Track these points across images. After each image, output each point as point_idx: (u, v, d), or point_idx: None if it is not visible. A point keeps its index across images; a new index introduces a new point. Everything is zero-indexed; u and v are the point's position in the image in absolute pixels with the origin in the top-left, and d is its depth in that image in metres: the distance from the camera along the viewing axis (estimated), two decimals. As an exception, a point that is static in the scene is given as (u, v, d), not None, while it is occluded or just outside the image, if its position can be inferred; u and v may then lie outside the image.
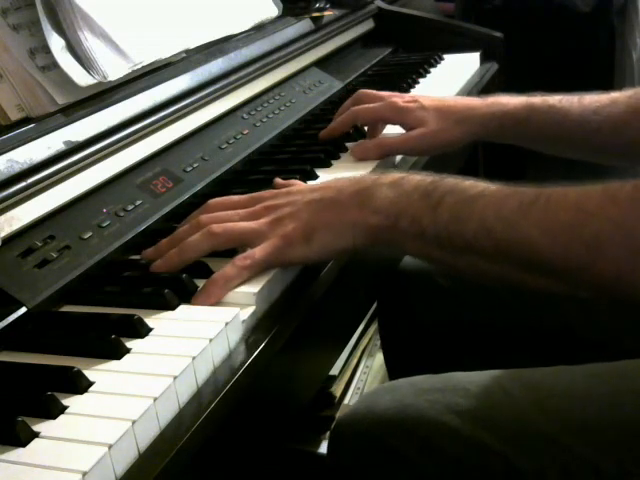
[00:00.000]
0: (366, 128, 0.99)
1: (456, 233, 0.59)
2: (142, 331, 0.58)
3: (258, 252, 0.63)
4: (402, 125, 0.93)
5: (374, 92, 0.96)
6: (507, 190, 0.58)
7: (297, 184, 0.75)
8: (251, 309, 0.61)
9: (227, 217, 0.67)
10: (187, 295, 0.63)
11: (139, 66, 0.85)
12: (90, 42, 0.79)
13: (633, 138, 0.83)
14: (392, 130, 0.97)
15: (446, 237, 0.59)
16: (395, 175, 0.65)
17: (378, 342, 1.50)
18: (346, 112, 0.95)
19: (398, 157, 0.95)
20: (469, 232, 0.58)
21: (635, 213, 0.50)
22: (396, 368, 1.08)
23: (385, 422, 0.70)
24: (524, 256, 0.55)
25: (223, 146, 0.92)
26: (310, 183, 0.85)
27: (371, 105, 0.94)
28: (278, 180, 0.77)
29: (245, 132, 0.97)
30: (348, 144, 0.96)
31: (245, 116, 1.00)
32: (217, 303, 0.61)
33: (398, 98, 0.94)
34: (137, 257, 0.71)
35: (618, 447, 0.61)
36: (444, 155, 0.94)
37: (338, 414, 1.27)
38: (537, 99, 0.89)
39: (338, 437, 0.75)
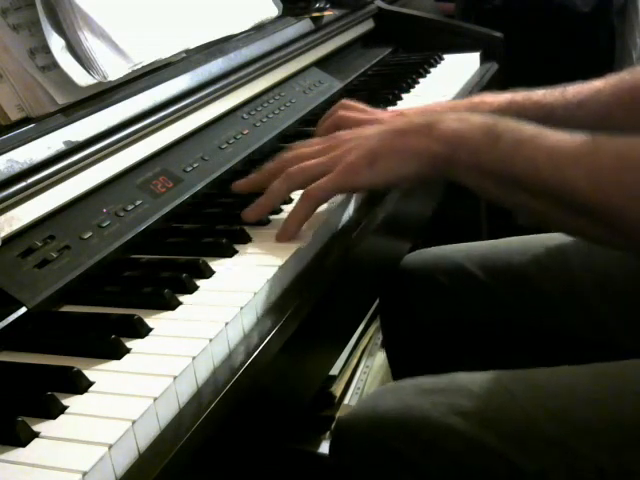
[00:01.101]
0: None
1: (509, 169, 0.62)
2: (142, 331, 0.58)
3: (324, 182, 0.69)
4: None
5: (359, 104, 0.92)
6: (561, 135, 0.61)
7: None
8: (251, 309, 0.61)
9: (303, 153, 0.74)
10: (187, 294, 0.63)
11: (139, 66, 0.85)
12: (90, 42, 0.79)
13: (618, 129, 0.83)
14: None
15: (500, 172, 0.63)
16: (461, 112, 0.71)
17: (378, 342, 1.50)
18: (330, 117, 0.90)
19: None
20: (520, 169, 0.61)
21: None
22: (399, 365, 1.08)
23: (388, 423, 0.70)
24: (567, 198, 0.58)
25: (223, 146, 0.92)
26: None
27: (355, 114, 0.89)
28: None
29: (245, 132, 0.97)
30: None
31: (245, 116, 1.00)
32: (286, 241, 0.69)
33: (383, 113, 0.92)
34: (137, 257, 0.71)
35: (620, 448, 0.61)
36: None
37: (338, 414, 1.27)
38: (521, 96, 0.89)
39: (340, 437, 0.75)
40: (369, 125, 0.76)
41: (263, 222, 0.75)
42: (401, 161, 0.68)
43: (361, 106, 0.92)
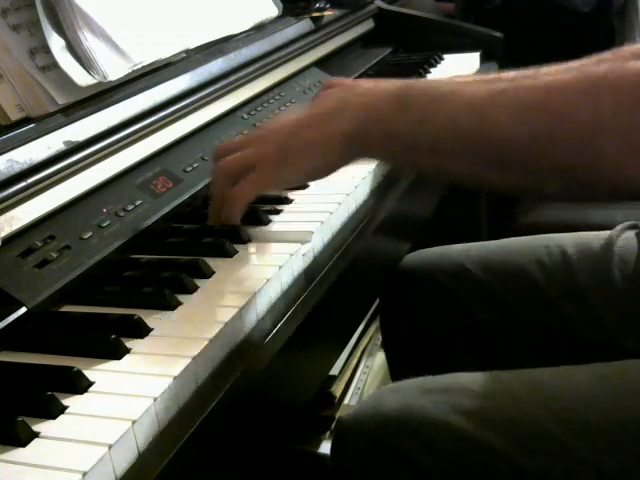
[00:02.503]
0: None
1: (424, 132, 0.58)
2: (142, 331, 0.58)
3: (246, 185, 0.67)
4: None
5: (340, 80, 0.91)
6: (479, 81, 0.58)
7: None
8: (252, 308, 0.61)
9: (228, 146, 0.73)
10: (187, 294, 0.63)
11: (139, 66, 0.85)
12: (90, 42, 0.79)
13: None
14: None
15: (414, 138, 0.59)
16: (369, 82, 0.66)
17: (378, 342, 1.50)
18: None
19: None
20: (438, 128, 0.57)
21: (610, 79, 0.50)
22: (398, 366, 1.08)
23: (389, 422, 0.70)
24: (492, 145, 0.55)
25: (223, 146, 0.92)
26: (310, 183, 0.85)
27: None
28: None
29: (245, 132, 0.97)
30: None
31: (245, 116, 1.00)
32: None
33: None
34: (137, 257, 0.71)
35: (620, 448, 0.61)
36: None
37: (338, 414, 1.27)
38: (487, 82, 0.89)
39: (342, 437, 0.75)
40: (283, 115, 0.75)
41: (263, 222, 0.75)
42: (314, 151, 0.65)
43: (342, 81, 0.93)
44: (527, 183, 0.57)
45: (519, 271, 0.92)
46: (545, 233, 0.98)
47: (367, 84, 0.67)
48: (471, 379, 0.71)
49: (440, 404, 0.69)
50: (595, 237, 0.92)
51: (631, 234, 0.90)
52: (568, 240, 0.93)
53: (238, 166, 0.69)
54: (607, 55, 0.77)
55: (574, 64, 0.84)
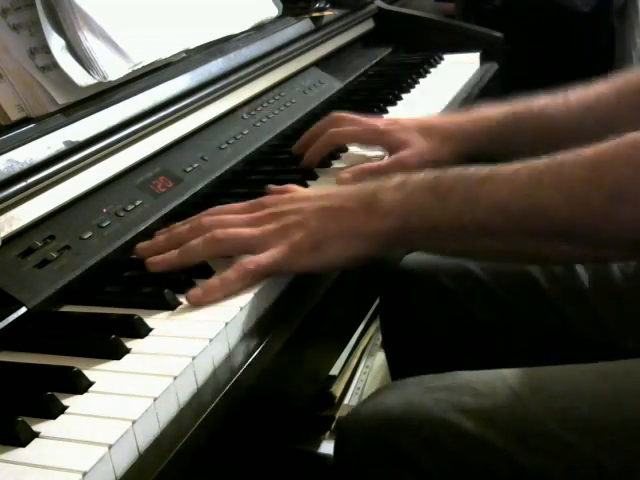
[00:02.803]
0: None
1: (469, 219, 0.58)
2: (142, 331, 0.58)
3: (265, 258, 0.62)
4: (384, 147, 0.91)
5: (351, 115, 0.92)
6: (516, 165, 0.57)
7: (295, 189, 0.73)
8: (252, 308, 0.61)
9: (231, 221, 0.67)
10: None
11: (139, 66, 0.85)
12: (90, 42, 0.79)
13: (623, 130, 0.82)
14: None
15: (459, 226, 0.59)
16: (398, 178, 0.65)
17: (378, 342, 1.50)
18: (323, 136, 0.90)
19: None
20: (482, 214, 0.58)
21: None
22: (398, 366, 1.08)
23: (391, 420, 0.70)
24: (542, 223, 0.55)
25: (223, 146, 0.92)
26: (310, 184, 0.85)
27: (350, 128, 0.90)
28: (272, 187, 0.75)
29: (245, 132, 0.97)
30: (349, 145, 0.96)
31: (245, 116, 1.00)
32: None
33: (377, 121, 0.91)
34: (137, 257, 0.71)
35: (622, 446, 0.61)
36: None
37: (338, 414, 1.27)
38: (520, 107, 0.87)
39: (344, 435, 0.75)
40: (299, 196, 0.69)
41: None
42: (346, 244, 0.63)
43: (351, 117, 0.91)
44: (587, 255, 0.58)
45: (519, 270, 0.92)
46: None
47: (397, 179, 0.65)
48: (472, 377, 0.71)
49: (441, 402, 0.69)
50: None
51: None
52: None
53: (245, 242, 0.64)
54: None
55: (548, 102, 0.85)
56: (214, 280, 0.62)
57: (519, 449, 0.63)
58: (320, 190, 0.71)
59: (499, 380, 0.70)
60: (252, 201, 0.70)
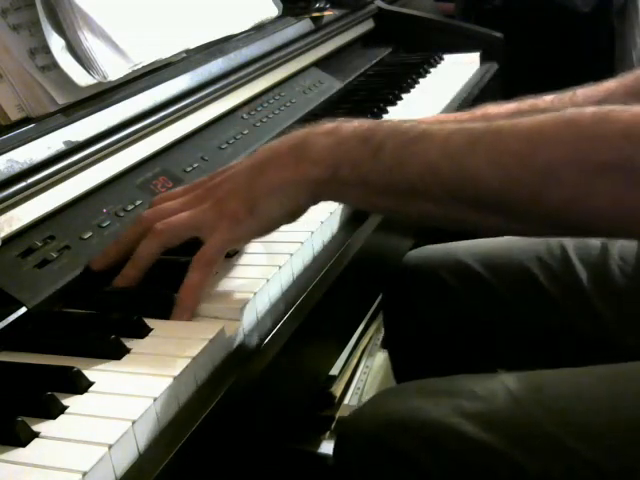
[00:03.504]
0: None
1: (400, 178, 0.56)
2: (142, 331, 0.58)
3: (209, 245, 0.61)
4: None
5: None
6: (452, 127, 0.55)
7: None
8: (251, 309, 0.61)
9: (169, 208, 0.65)
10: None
11: (139, 66, 0.85)
12: (90, 42, 0.79)
13: None
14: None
15: (389, 183, 0.57)
16: (329, 124, 0.62)
17: (378, 342, 1.50)
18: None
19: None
20: (413, 175, 0.55)
21: (591, 134, 0.47)
22: (400, 363, 1.08)
23: (391, 424, 0.70)
24: (473, 193, 0.53)
25: (223, 146, 0.92)
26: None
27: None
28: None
29: (245, 132, 0.97)
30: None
31: (245, 116, 1.00)
32: (194, 314, 0.60)
33: None
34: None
35: (621, 449, 0.61)
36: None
37: (338, 414, 1.27)
38: (526, 105, 0.85)
39: (344, 438, 0.75)
40: (233, 164, 0.67)
41: None
42: (281, 198, 0.61)
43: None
44: (517, 229, 0.56)
45: (520, 268, 0.92)
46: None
47: (329, 124, 0.62)
48: (472, 381, 0.71)
49: (441, 406, 0.69)
50: None
51: None
52: (568, 239, 0.93)
53: (186, 227, 0.63)
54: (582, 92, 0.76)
55: (554, 100, 0.84)
56: (184, 291, 0.60)
57: (519, 452, 0.63)
58: (254, 151, 0.68)
59: (499, 384, 0.70)
60: (190, 184, 0.69)
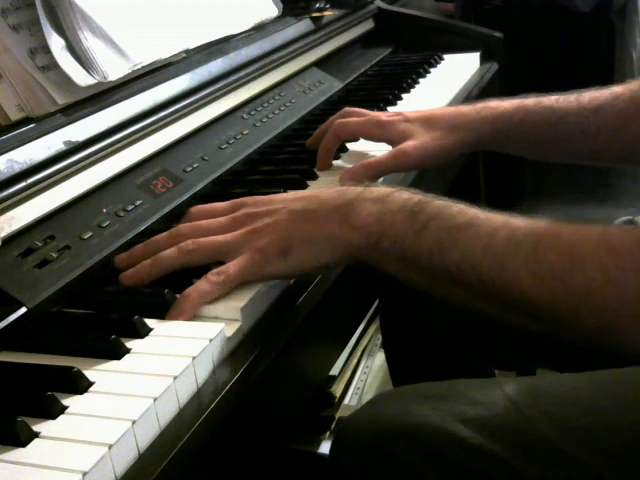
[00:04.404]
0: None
1: (439, 261, 0.56)
2: (142, 331, 0.58)
3: (232, 267, 0.61)
4: (387, 141, 0.89)
5: (359, 110, 0.92)
6: (496, 221, 0.55)
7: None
8: (252, 307, 0.61)
9: (206, 226, 0.66)
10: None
11: (139, 66, 0.85)
12: (90, 42, 0.79)
13: (636, 134, 0.81)
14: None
15: (428, 264, 0.57)
16: (381, 190, 0.62)
17: (378, 342, 1.50)
18: (329, 127, 0.91)
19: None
20: (452, 262, 0.55)
21: (630, 266, 0.48)
22: (398, 366, 1.08)
23: (388, 428, 0.70)
24: (509, 296, 0.53)
25: (223, 146, 0.92)
26: (310, 185, 0.85)
27: (353, 119, 0.90)
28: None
29: (245, 132, 0.97)
30: (348, 144, 0.96)
31: (245, 116, 1.00)
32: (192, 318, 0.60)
33: (381, 114, 0.90)
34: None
35: (621, 455, 0.61)
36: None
37: (338, 414, 1.27)
38: (530, 101, 0.86)
39: (340, 442, 0.75)
40: (278, 197, 0.67)
41: None
42: (316, 250, 0.61)
43: (359, 110, 0.91)
44: (547, 332, 0.57)
45: None
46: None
47: (380, 190, 0.62)
48: (471, 386, 0.71)
49: (440, 411, 0.68)
50: None
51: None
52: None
53: (215, 252, 0.63)
54: None
55: (559, 99, 0.83)
56: (188, 295, 0.60)
57: (519, 458, 0.63)
58: (300, 193, 0.69)
59: (498, 389, 0.69)
60: (233, 201, 0.69)
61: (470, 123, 0.86)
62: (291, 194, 0.69)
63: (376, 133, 0.89)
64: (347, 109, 0.92)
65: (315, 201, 0.63)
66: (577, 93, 0.83)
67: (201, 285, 0.60)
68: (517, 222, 0.54)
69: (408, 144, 0.85)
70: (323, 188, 0.66)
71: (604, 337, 0.50)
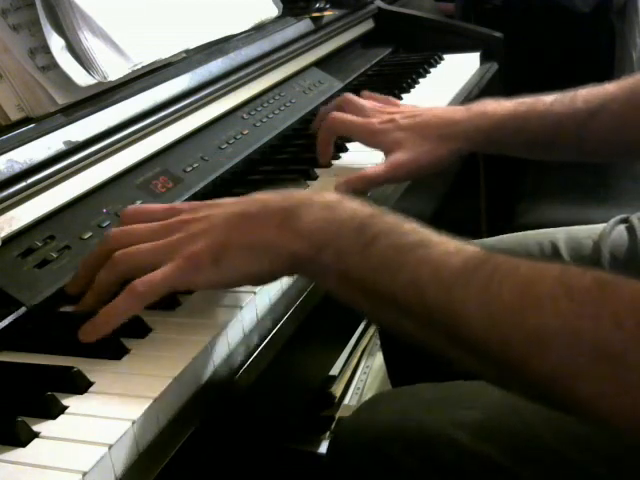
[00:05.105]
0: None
1: (382, 283, 0.50)
2: (142, 331, 0.58)
3: (157, 275, 0.55)
4: (380, 149, 0.87)
5: (358, 101, 0.89)
6: (451, 246, 0.50)
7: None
8: (253, 307, 0.61)
9: (136, 233, 0.60)
10: (188, 294, 0.63)
11: (139, 66, 0.85)
12: (90, 42, 0.79)
13: (632, 137, 0.81)
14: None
15: (371, 285, 0.51)
16: (332, 196, 0.57)
17: (378, 342, 1.50)
18: (325, 121, 0.88)
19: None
20: (398, 287, 0.49)
21: (587, 312, 0.42)
22: (395, 367, 1.08)
23: (386, 433, 0.70)
24: (456, 331, 0.47)
25: (223, 146, 0.92)
26: (310, 185, 0.85)
27: (348, 118, 0.87)
28: None
29: (245, 132, 0.97)
30: (348, 144, 0.96)
31: (245, 116, 1.00)
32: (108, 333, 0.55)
33: (376, 119, 0.87)
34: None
35: (619, 459, 0.61)
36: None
37: (338, 414, 1.27)
38: (525, 106, 0.84)
39: (338, 445, 0.75)
40: (219, 201, 0.61)
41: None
42: (253, 258, 0.55)
43: (361, 102, 0.89)
44: (492, 376, 0.51)
45: None
46: (538, 229, 0.98)
47: (330, 196, 0.56)
48: (469, 389, 0.71)
49: (437, 415, 0.68)
50: (589, 231, 0.92)
51: (623, 228, 0.91)
52: (561, 236, 0.93)
53: (145, 261, 0.57)
54: None
55: (554, 102, 0.82)
56: (102, 311, 0.55)
57: (516, 462, 0.63)
58: (246, 196, 0.61)
59: (494, 392, 0.69)
60: (172, 205, 0.63)
61: (463, 132, 0.84)
62: (233, 199, 0.62)
63: (369, 141, 0.88)
64: (344, 97, 0.90)
65: (255, 204, 0.58)
66: (572, 93, 0.83)
67: (118, 304, 0.55)
68: (473, 250, 0.49)
69: (401, 156, 0.83)
70: (316, 190, 0.63)
71: (551, 389, 0.44)
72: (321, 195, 0.57)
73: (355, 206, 0.55)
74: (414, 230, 0.52)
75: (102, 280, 0.58)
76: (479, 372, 0.51)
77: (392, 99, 0.96)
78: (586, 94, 0.82)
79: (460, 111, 0.87)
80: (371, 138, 0.86)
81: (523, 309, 0.44)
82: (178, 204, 0.63)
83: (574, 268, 0.45)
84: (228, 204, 0.59)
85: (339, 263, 0.52)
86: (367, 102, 0.90)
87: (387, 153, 0.85)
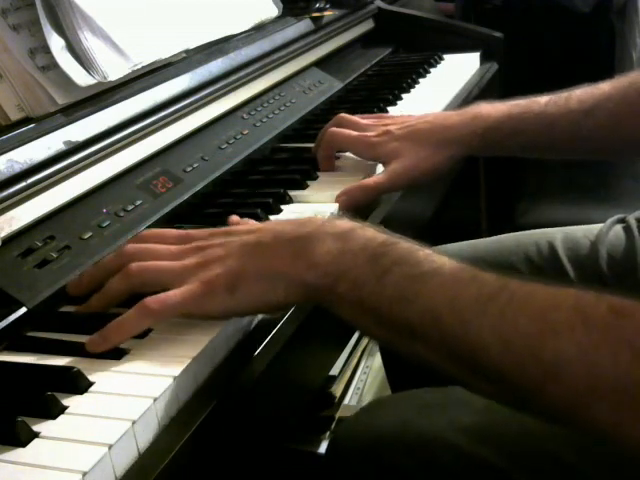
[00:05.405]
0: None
1: (399, 313, 0.51)
2: (142, 332, 0.58)
3: (173, 297, 0.55)
4: (377, 161, 0.88)
5: (352, 118, 0.90)
6: (466, 274, 0.50)
7: (248, 223, 0.66)
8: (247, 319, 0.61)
9: (153, 251, 0.61)
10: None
11: (139, 66, 0.85)
12: (90, 42, 0.79)
13: (628, 135, 0.81)
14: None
15: (387, 314, 0.51)
16: (344, 224, 0.57)
17: (378, 342, 1.50)
18: (324, 136, 0.89)
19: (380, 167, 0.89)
20: (414, 315, 0.50)
21: (604, 342, 0.43)
22: (395, 371, 1.07)
23: (385, 438, 0.69)
24: (471, 359, 0.48)
25: (223, 146, 0.92)
26: (310, 185, 0.85)
27: (346, 133, 0.87)
28: (233, 218, 0.68)
29: (245, 132, 0.97)
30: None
31: (245, 116, 1.00)
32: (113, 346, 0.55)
33: (372, 132, 0.87)
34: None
35: (620, 464, 0.60)
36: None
37: (338, 414, 1.27)
38: (521, 108, 0.84)
39: (337, 447, 0.75)
40: (235, 229, 0.62)
41: None
42: (267, 287, 0.55)
43: (355, 119, 0.90)
44: (506, 401, 0.52)
45: (509, 268, 0.91)
46: (538, 229, 0.98)
47: (343, 224, 0.57)
48: (467, 393, 0.71)
49: (437, 420, 0.68)
50: (586, 231, 0.92)
51: (620, 228, 0.91)
52: (558, 236, 0.93)
53: (160, 278, 0.58)
54: None
55: (548, 102, 0.82)
56: (112, 323, 0.55)
57: (517, 468, 0.62)
58: (259, 224, 0.64)
59: None
60: (188, 231, 0.64)
61: (459, 137, 0.85)
62: (247, 226, 0.63)
63: (367, 154, 0.88)
64: (341, 117, 0.91)
65: (269, 234, 0.58)
66: (566, 93, 0.83)
67: (129, 319, 0.55)
68: (488, 277, 0.49)
69: (400, 165, 0.83)
70: (329, 220, 0.60)
71: (570, 415, 0.45)
72: (334, 224, 0.57)
73: (368, 234, 0.55)
74: (428, 258, 0.52)
75: (113, 287, 0.59)
76: (496, 398, 0.52)
77: (383, 114, 0.97)
78: (580, 94, 0.83)
79: (454, 116, 0.87)
80: (369, 151, 0.87)
81: (540, 336, 0.45)
82: (192, 231, 0.63)
83: (589, 295, 0.46)
84: (243, 232, 0.60)
85: (354, 293, 0.53)
86: (361, 118, 0.91)
87: (385, 164, 0.85)
